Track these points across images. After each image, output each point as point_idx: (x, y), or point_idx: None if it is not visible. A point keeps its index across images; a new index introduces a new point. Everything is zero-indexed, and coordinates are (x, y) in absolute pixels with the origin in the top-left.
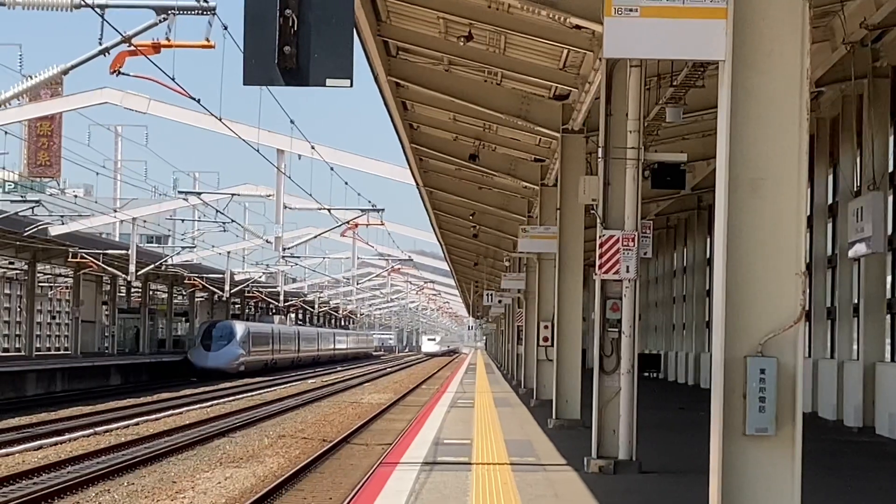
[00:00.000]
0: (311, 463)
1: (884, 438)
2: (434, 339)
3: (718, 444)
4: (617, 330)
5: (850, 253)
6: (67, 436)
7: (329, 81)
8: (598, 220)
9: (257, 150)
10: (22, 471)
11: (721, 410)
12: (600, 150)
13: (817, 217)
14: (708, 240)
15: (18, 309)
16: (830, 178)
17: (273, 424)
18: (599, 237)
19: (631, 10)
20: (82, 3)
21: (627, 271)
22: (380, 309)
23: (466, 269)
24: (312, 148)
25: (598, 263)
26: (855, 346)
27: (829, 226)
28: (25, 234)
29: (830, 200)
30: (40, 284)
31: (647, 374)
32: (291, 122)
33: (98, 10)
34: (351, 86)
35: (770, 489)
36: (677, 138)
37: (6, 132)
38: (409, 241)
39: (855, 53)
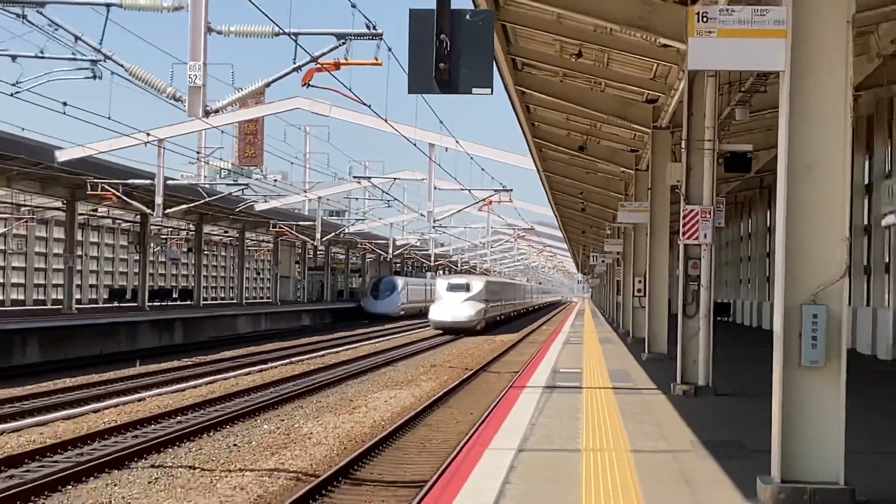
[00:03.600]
0: (456, 386)
1: None
2: (462, 286)
3: (780, 373)
4: (696, 283)
5: (883, 222)
6: (270, 365)
7: (474, 90)
8: (682, 197)
9: (414, 144)
10: (236, 390)
11: (782, 347)
12: (683, 142)
13: (857, 194)
14: (768, 212)
15: (232, 267)
16: (867, 163)
17: (426, 357)
18: (683, 210)
19: (710, 32)
20: (281, 31)
21: (705, 237)
22: (508, 267)
23: (576, 235)
24: (457, 142)
25: (681, 231)
26: (886, 296)
27: (866, 201)
28: (237, 209)
29: (867, 181)
30: (248, 248)
31: (719, 318)
32: (440, 122)
33: (293, 36)
34: (491, 93)
35: (821, 408)
36: (745, 132)
37: (222, 131)
38: (531, 214)
39: (886, 64)
